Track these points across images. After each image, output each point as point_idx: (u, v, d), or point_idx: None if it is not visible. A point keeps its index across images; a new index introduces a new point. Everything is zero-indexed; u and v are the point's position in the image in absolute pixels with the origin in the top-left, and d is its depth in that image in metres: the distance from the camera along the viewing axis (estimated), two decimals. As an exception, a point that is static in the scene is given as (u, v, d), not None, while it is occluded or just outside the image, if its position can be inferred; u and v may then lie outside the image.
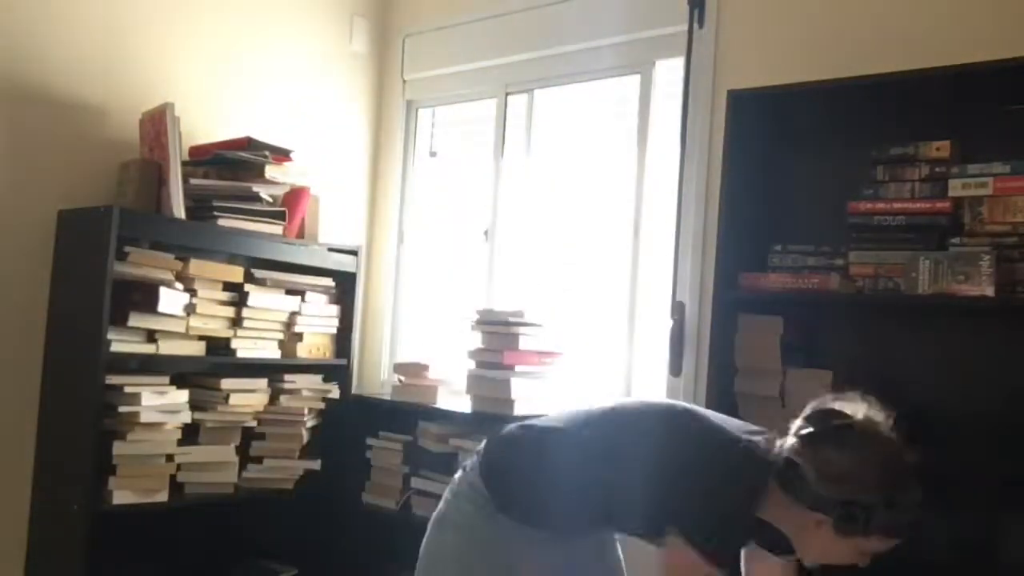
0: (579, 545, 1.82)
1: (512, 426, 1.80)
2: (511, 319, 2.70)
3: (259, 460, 2.84)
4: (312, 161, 3.26)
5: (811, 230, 2.30)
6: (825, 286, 2.10)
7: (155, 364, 2.63)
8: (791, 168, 2.40)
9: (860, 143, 2.22)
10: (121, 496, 2.47)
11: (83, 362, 2.44)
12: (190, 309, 2.63)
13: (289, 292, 2.92)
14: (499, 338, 2.71)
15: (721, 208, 2.27)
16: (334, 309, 3.08)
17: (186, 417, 2.60)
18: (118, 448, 2.46)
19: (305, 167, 3.01)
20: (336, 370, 3.07)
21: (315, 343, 3.01)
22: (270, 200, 2.81)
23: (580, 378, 2.90)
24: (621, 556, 1.92)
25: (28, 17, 2.56)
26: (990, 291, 1.87)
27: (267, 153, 2.80)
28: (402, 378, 2.97)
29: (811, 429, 1.54)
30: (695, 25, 2.66)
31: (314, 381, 2.97)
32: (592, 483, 1.67)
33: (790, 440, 1.56)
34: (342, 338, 3.10)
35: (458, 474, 1.80)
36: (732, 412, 2.18)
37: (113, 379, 2.45)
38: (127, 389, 2.48)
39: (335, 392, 3.02)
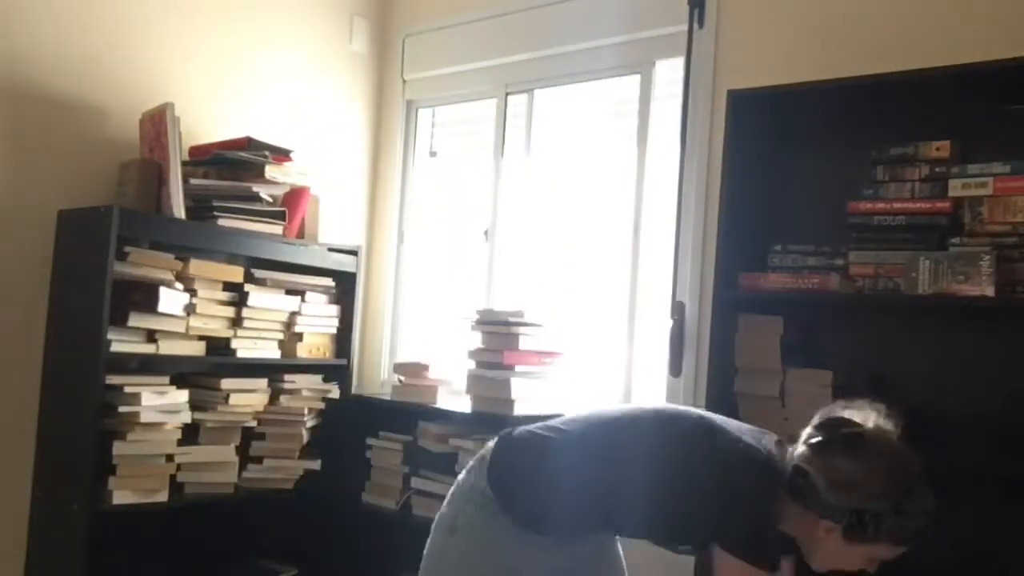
0: (582, 545, 1.81)
1: (521, 429, 1.78)
2: (511, 319, 2.70)
3: (259, 460, 2.84)
4: (312, 161, 3.26)
5: (811, 230, 2.30)
6: (825, 286, 2.10)
7: (155, 364, 2.63)
8: (791, 168, 2.41)
9: (860, 143, 2.22)
10: (121, 496, 2.47)
11: (83, 362, 2.44)
12: (190, 309, 2.63)
13: (289, 292, 2.92)
14: (499, 338, 2.71)
15: (721, 208, 2.27)
16: (334, 309, 3.08)
17: (186, 417, 2.60)
18: (118, 448, 2.46)
19: (305, 167, 3.01)
20: (336, 370, 3.07)
21: (315, 343, 3.01)
22: (270, 200, 2.81)
23: (580, 378, 2.90)
24: (622, 555, 1.92)
25: (28, 17, 2.56)
26: (990, 291, 1.87)
27: (267, 153, 2.80)
28: (402, 378, 2.97)
29: (821, 437, 1.55)
30: (695, 25, 2.66)
31: (314, 381, 2.97)
32: (603, 490, 1.67)
33: (800, 448, 1.58)
34: (342, 338, 3.10)
35: (462, 476, 1.78)
36: (732, 412, 2.19)
37: (113, 379, 2.45)
38: (127, 389, 2.48)
39: (335, 392, 3.02)
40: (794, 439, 1.63)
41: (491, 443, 1.79)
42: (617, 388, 2.82)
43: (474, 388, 2.75)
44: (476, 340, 2.78)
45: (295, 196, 2.91)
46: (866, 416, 1.56)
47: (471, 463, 1.79)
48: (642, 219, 2.83)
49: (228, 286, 2.76)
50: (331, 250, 3.06)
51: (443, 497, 2.65)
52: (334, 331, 3.08)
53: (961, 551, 1.97)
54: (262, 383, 2.83)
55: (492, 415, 2.65)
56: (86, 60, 2.70)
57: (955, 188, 2.03)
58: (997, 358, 2.06)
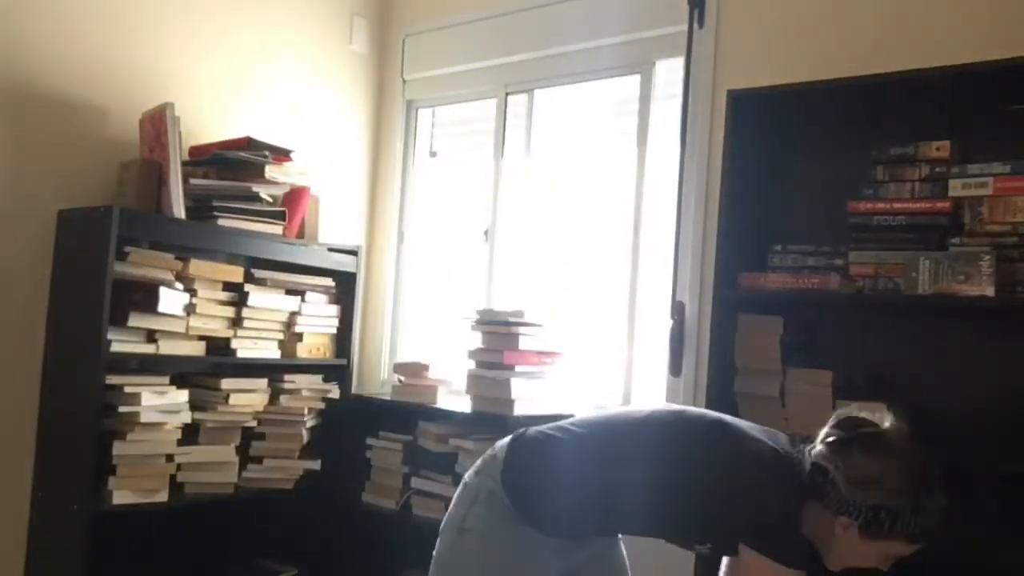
0: (589, 546, 1.81)
1: (533, 430, 1.77)
2: (511, 319, 2.70)
3: (259, 460, 2.84)
4: (312, 161, 3.26)
5: (811, 230, 2.30)
6: (825, 286, 2.10)
7: (155, 364, 2.63)
8: (791, 168, 2.41)
9: (860, 143, 2.22)
10: (121, 496, 2.47)
11: (83, 362, 2.44)
12: (190, 309, 2.63)
13: (289, 292, 2.92)
14: (499, 338, 2.71)
15: (721, 208, 2.27)
16: (334, 309, 3.08)
17: (186, 417, 2.60)
18: (118, 448, 2.46)
19: (305, 167, 3.01)
20: (336, 370, 3.07)
21: (315, 343, 3.01)
22: (270, 200, 2.81)
23: (580, 378, 2.90)
24: (625, 555, 1.92)
25: (28, 17, 2.56)
26: (990, 291, 1.87)
27: (267, 153, 2.80)
28: (402, 378, 2.97)
29: (840, 436, 1.58)
30: (695, 25, 2.66)
31: (314, 381, 2.97)
32: (618, 490, 1.67)
33: (818, 447, 1.60)
34: (342, 338, 3.10)
35: (470, 477, 1.77)
36: (732, 412, 2.18)
37: (113, 379, 2.45)
38: (127, 389, 2.48)
39: (335, 392, 3.02)
40: (804, 438, 1.65)
41: (499, 443, 1.78)
42: (617, 388, 2.82)
43: (474, 388, 2.75)
44: (476, 340, 2.78)
45: (295, 196, 2.91)
46: (882, 416, 1.58)
47: (478, 464, 1.78)
48: (642, 219, 2.83)
49: (228, 286, 2.76)
50: (331, 250, 3.06)
51: (443, 497, 2.67)
52: (334, 331, 3.08)
53: (961, 551, 1.97)
54: (262, 383, 2.83)
55: (492, 415, 2.65)
56: (86, 60, 2.70)
57: (955, 188, 2.03)
58: (997, 358, 2.06)
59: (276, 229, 2.82)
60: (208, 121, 3.00)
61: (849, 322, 2.28)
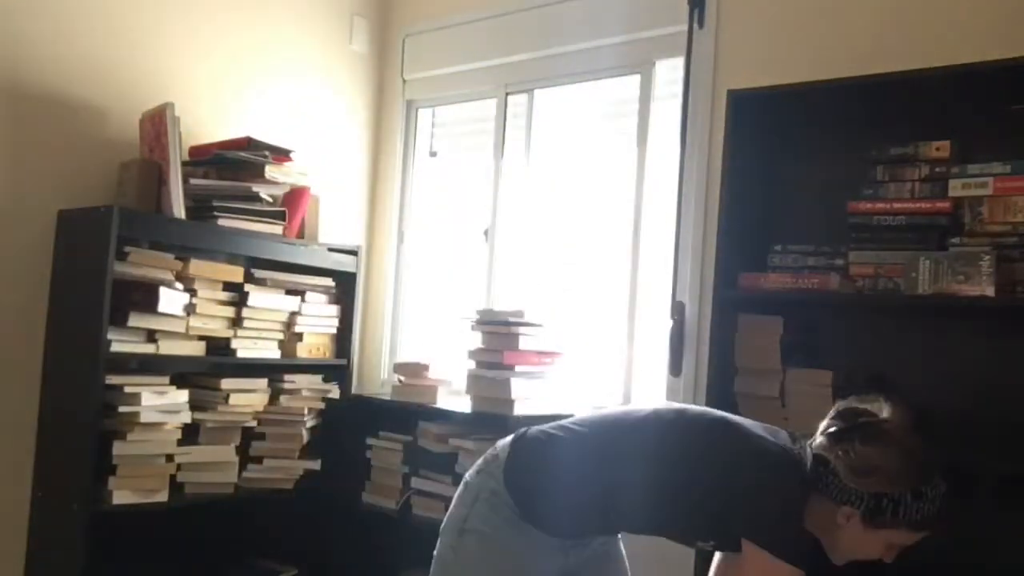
0: (589, 545, 1.82)
1: (535, 429, 1.77)
2: (511, 319, 2.70)
3: (259, 460, 2.84)
4: (312, 161, 3.26)
5: (811, 230, 2.30)
6: (825, 286, 2.10)
7: (155, 364, 2.63)
8: (791, 168, 2.40)
9: (860, 143, 2.22)
10: (121, 496, 2.47)
11: (83, 362, 2.44)
12: (190, 309, 2.63)
13: (289, 292, 2.92)
14: (499, 338, 2.71)
15: (721, 208, 2.27)
16: (334, 309, 3.08)
17: (186, 417, 2.60)
18: (118, 448, 2.46)
19: (305, 167, 3.01)
20: (336, 370, 3.07)
21: (315, 343, 3.01)
22: (270, 200, 2.81)
23: (580, 378, 2.90)
24: (624, 555, 1.92)
25: (28, 17, 2.56)
26: (990, 291, 1.87)
27: (267, 153, 2.80)
28: (402, 378, 2.97)
29: (840, 427, 1.60)
30: (695, 25, 2.66)
31: (314, 381, 2.97)
32: (621, 489, 1.67)
33: (819, 439, 1.62)
34: (342, 338, 3.10)
35: (471, 476, 1.77)
36: (732, 412, 2.18)
37: (113, 379, 2.45)
38: (127, 389, 2.48)
39: (335, 392, 3.02)
40: (805, 435, 1.66)
41: (501, 443, 1.78)
42: (617, 388, 2.82)
43: (474, 388, 2.75)
44: (476, 340, 2.78)
45: (295, 196, 2.91)
46: (880, 407, 1.60)
47: (480, 463, 1.78)
48: (642, 219, 2.83)
49: (228, 286, 2.76)
50: (331, 250, 3.06)
51: (443, 497, 2.67)
52: (334, 331, 3.08)
53: (961, 551, 1.97)
54: (262, 383, 2.83)
55: (492, 415, 2.65)
56: (86, 60, 2.70)
57: (955, 188, 2.03)
58: (997, 358, 2.06)
59: (276, 229, 2.82)
60: (208, 121, 3.00)
61: (849, 322, 2.28)
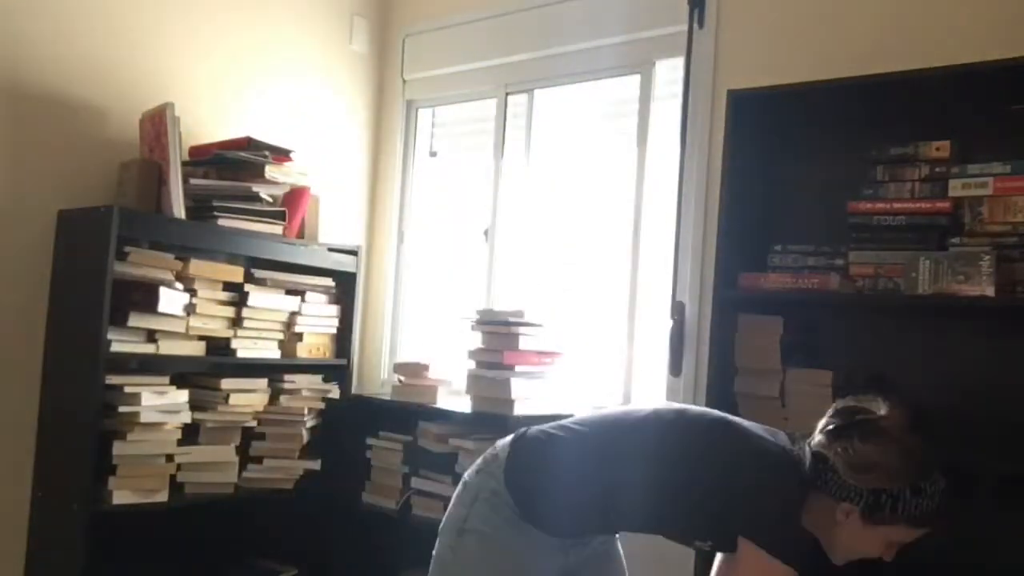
0: (588, 545, 1.82)
1: (535, 429, 1.77)
2: (511, 319, 2.70)
3: (259, 460, 2.84)
4: (312, 161, 3.26)
5: (811, 230, 2.30)
6: (825, 286, 2.10)
7: (155, 364, 2.63)
8: (791, 168, 2.40)
9: (860, 143, 2.22)
10: (121, 496, 2.47)
11: (83, 362, 2.44)
12: (190, 309, 2.63)
13: (289, 292, 2.92)
14: (499, 338, 2.71)
15: (721, 208, 2.27)
16: (334, 309, 3.08)
17: (186, 417, 2.60)
18: (118, 448, 2.46)
19: (305, 167, 3.01)
20: (336, 370, 3.07)
21: (315, 343, 3.01)
22: (270, 200, 2.81)
23: (580, 378, 2.90)
24: (622, 554, 1.93)
25: (28, 17, 2.56)
26: (990, 291, 1.87)
27: (267, 153, 2.80)
28: (402, 378, 2.97)
29: (837, 424, 1.60)
30: (695, 25, 2.66)
31: (314, 381, 2.97)
32: (620, 488, 1.67)
33: (817, 437, 1.63)
34: (342, 338, 3.10)
35: (470, 476, 1.77)
36: (732, 412, 2.18)
37: (113, 379, 2.45)
38: (127, 389, 2.47)
39: (335, 392, 3.02)
40: (805, 435, 1.66)
41: (500, 442, 1.78)
42: (617, 388, 2.82)
43: (474, 388, 2.75)
44: (476, 340, 2.78)
45: (295, 196, 2.91)
46: (878, 405, 1.60)
47: (479, 463, 1.78)
48: (642, 219, 2.83)
49: (228, 286, 2.76)
50: (331, 250, 3.06)
51: (443, 497, 2.67)
52: (334, 331, 3.08)
53: (961, 551, 1.97)
54: (262, 383, 2.83)
55: (492, 415, 2.65)
56: (86, 60, 2.70)
57: (955, 188, 2.03)
58: (997, 358, 2.06)
59: (276, 229, 2.82)
60: (208, 121, 3.00)
61: (849, 322, 2.28)
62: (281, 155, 2.86)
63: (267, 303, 2.84)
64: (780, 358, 2.23)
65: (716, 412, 1.76)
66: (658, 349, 2.72)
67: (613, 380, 2.84)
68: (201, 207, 2.67)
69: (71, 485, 2.43)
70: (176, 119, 2.57)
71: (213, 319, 2.70)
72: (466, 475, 1.79)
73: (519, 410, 2.64)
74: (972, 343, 2.09)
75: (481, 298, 3.20)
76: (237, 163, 2.75)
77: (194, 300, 2.64)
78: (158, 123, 2.59)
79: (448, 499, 1.81)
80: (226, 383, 2.73)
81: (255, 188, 2.75)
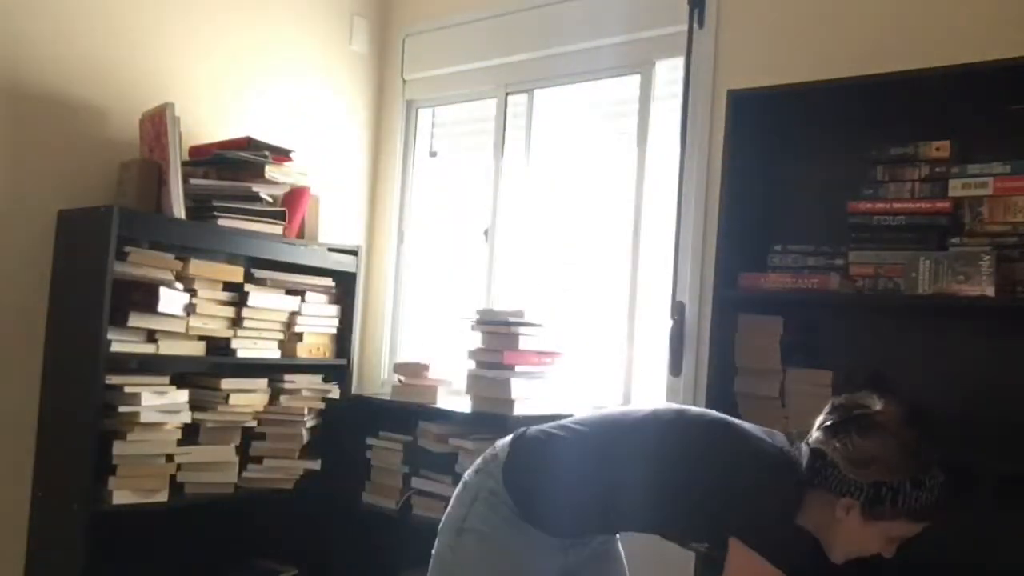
0: (588, 545, 1.82)
1: (534, 429, 1.77)
2: (511, 319, 2.70)
3: (259, 460, 2.84)
4: (312, 161, 3.26)
5: (811, 230, 2.30)
6: (825, 286, 2.10)
7: (155, 364, 2.62)
8: (791, 168, 2.40)
9: (860, 143, 2.22)
10: (121, 496, 2.47)
11: (83, 362, 2.44)
12: (190, 309, 2.63)
13: (289, 292, 2.92)
14: (499, 338, 2.71)
15: (721, 208, 2.27)
16: (334, 309, 3.08)
17: (186, 417, 2.60)
18: (118, 448, 2.46)
19: (305, 167, 3.01)
20: (336, 370, 3.07)
21: (315, 343, 3.01)
22: (270, 200, 2.81)
23: (580, 378, 2.90)
24: (623, 554, 1.93)
25: (28, 17, 2.56)
26: (990, 291, 1.87)
27: (267, 153, 2.80)
28: (402, 378, 2.97)
29: (835, 420, 1.60)
30: (695, 25, 2.66)
31: (314, 381, 2.97)
32: (617, 488, 1.67)
33: (815, 434, 1.63)
34: (342, 338, 3.10)
35: (469, 476, 1.77)
36: (732, 412, 2.18)
37: (113, 379, 2.45)
38: (127, 389, 2.47)
39: (335, 392, 3.02)
40: (802, 435, 1.66)
41: (500, 442, 1.78)
42: (617, 388, 2.82)
43: (474, 388, 2.75)
44: (476, 340, 2.78)
45: (295, 196, 2.91)
46: (873, 400, 1.60)
47: (479, 463, 1.78)
48: (642, 219, 2.83)
49: (228, 286, 2.76)
50: (331, 250, 3.06)
51: (443, 497, 2.67)
52: (334, 331, 3.08)
53: (961, 551, 1.97)
54: (262, 383, 2.83)
55: (492, 415, 2.65)
56: (86, 60, 2.70)
57: (955, 188, 2.03)
58: (997, 358, 2.06)
59: (276, 229, 2.82)
60: (208, 121, 3.00)
61: (849, 322, 2.28)
62: (281, 155, 2.86)
63: (267, 303, 2.84)
64: (780, 358, 2.23)
65: (715, 413, 1.76)
66: (658, 349, 2.72)
67: (613, 380, 2.84)
68: (201, 207, 2.67)
69: (71, 485, 2.43)
70: (176, 119, 2.57)
71: (213, 319, 2.70)
72: (466, 475, 1.79)
73: (519, 410, 2.64)
74: (972, 343, 2.09)
75: (481, 298, 3.20)
76: (237, 163, 2.75)
77: (194, 300, 2.64)
78: (158, 123, 2.59)
79: (448, 499, 1.81)
80: (226, 383, 2.73)
81: (255, 188, 2.75)
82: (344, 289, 3.11)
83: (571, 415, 1.86)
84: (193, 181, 2.67)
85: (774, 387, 2.22)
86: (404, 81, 3.55)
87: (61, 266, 2.58)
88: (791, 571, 1.54)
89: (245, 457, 2.80)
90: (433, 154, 3.57)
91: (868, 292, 2.10)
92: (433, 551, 1.75)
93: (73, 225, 2.57)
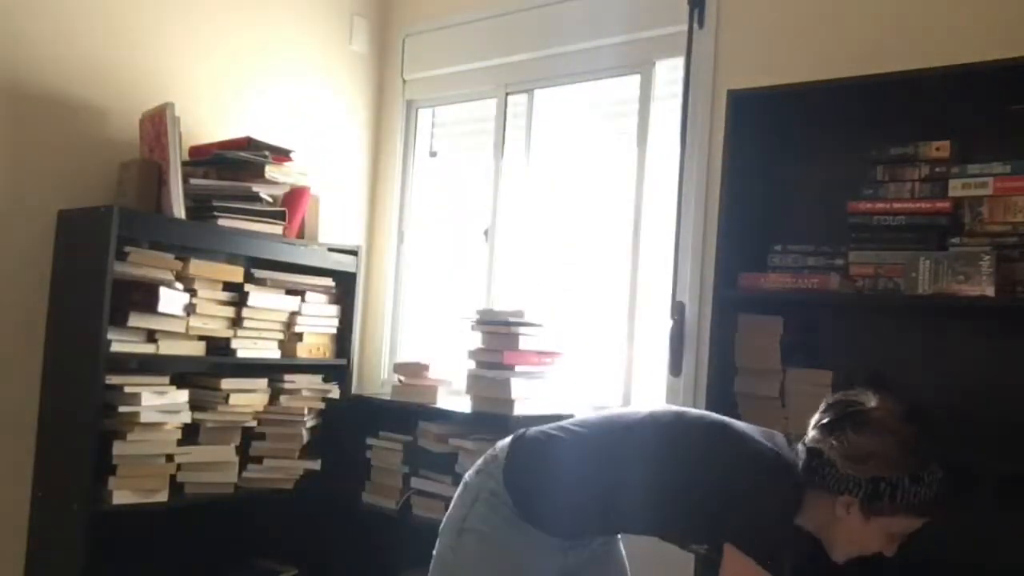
0: (588, 546, 1.82)
1: (534, 429, 1.77)
2: (511, 319, 2.70)
3: (259, 460, 2.84)
4: (312, 161, 3.26)
5: (811, 230, 2.30)
6: (825, 286, 2.10)
7: (155, 364, 2.63)
8: (791, 168, 2.40)
9: (860, 143, 2.22)
10: (121, 496, 2.47)
11: (83, 362, 2.44)
12: (190, 309, 2.63)
13: (289, 292, 2.92)
14: (499, 338, 2.71)
15: (721, 208, 2.27)
16: (334, 309, 3.08)
17: (186, 417, 2.60)
18: (118, 448, 2.46)
19: (305, 167, 3.01)
20: (336, 370, 3.07)
21: (315, 343, 3.01)
22: (270, 200, 2.81)
23: (580, 378, 2.90)
24: (624, 555, 1.93)
25: (28, 17, 2.56)
26: (990, 291, 1.87)
27: (267, 153, 2.80)
28: (402, 378, 2.97)
29: (830, 418, 1.60)
30: (695, 25, 2.66)
31: (314, 381, 2.97)
32: (617, 490, 1.67)
33: (811, 433, 1.63)
34: (342, 338, 3.10)
35: (470, 477, 1.77)
36: (732, 412, 2.19)
37: (113, 379, 2.45)
38: (127, 389, 2.47)
39: (335, 392, 3.02)
40: (801, 437, 1.66)
41: (500, 443, 1.79)
42: (617, 388, 2.82)
43: (474, 388, 2.75)
44: (476, 340, 2.78)
45: (295, 196, 2.91)
46: (868, 397, 1.60)
47: (479, 463, 1.78)
48: (642, 219, 2.83)
49: (228, 286, 2.76)
50: (331, 250, 3.06)
51: (443, 497, 2.68)
52: (334, 331, 3.08)
53: (961, 550, 1.97)
54: (262, 383, 2.83)
55: (492, 415, 2.65)
56: (86, 60, 2.70)
57: (955, 188, 2.03)
58: (997, 358, 2.06)
59: (276, 229, 2.82)
60: (208, 121, 3.00)
61: (849, 322, 2.28)
62: (281, 155, 2.86)
63: (267, 303, 2.84)
64: (780, 358, 2.23)
65: (714, 415, 1.76)
66: (658, 349, 2.72)
67: (613, 380, 2.84)
68: (201, 207, 2.67)
69: (71, 485, 2.43)
70: (176, 119, 2.57)
71: (213, 319, 2.70)
72: (467, 476, 1.79)
73: (519, 410, 2.64)
74: (972, 343, 2.09)
75: (481, 298, 3.20)
76: (237, 163, 2.75)
77: (194, 300, 2.64)
78: (158, 123, 2.59)
79: (448, 499, 1.81)
80: (226, 383, 2.73)
81: (255, 188, 2.75)
82: (344, 289, 3.11)
83: (571, 415, 1.86)
84: (193, 181, 2.67)
85: (774, 387, 2.22)
86: (404, 81, 3.55)
87: (61, 266, 2.58)
88: (781, 573, 1.54)
89: (245, 457, 2.81)
90: (433, 154, 3.57)
91: (868, 292, 2.10)
92: (434, 551, 1.76)
93: (73, 225, 2.57)
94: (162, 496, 2.55)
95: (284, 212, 2.84)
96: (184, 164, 2.63)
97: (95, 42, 2.72)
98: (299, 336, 2.95)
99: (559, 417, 1.87)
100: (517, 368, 2.69)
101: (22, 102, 2.56)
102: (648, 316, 2.79)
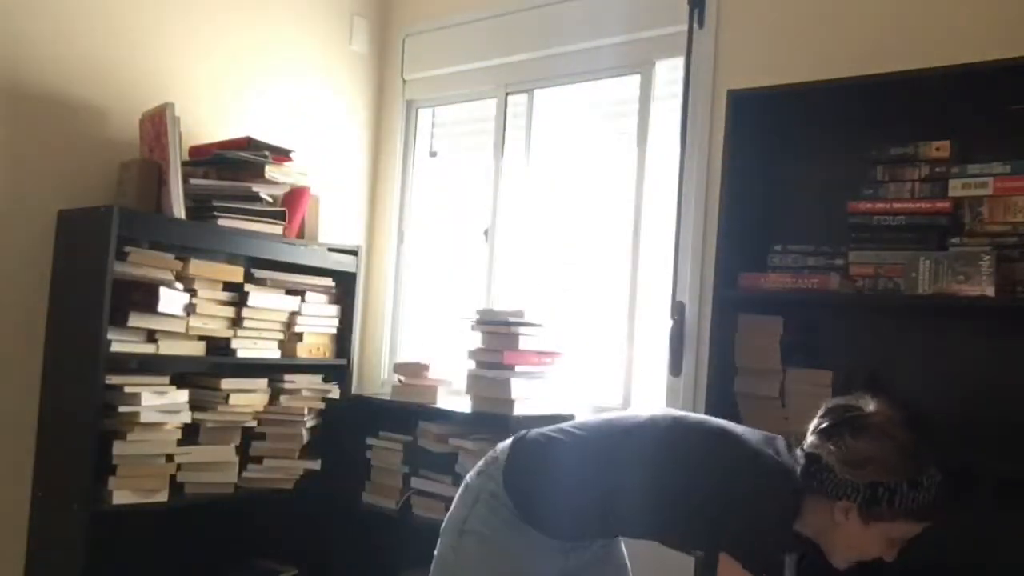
0: (589, 547, 1.82)
1: (535, 431, 1.78)
2: (511, 319, 2.70)
3: (259, 460, 2.84)
4: (312, 161, 3.26)
5: (811, 230, 2.30)
6: (825, 286, 2.10)
7: (155, 364, 2.63)
8: (791, 168, 2.40)
9: (860, 143, 2.22)
10: (121, 496, 2.47)
11: (83, 362, 2.44)
12: (190, 309, 2.63)
13: (289, 292, 2.92)
14: (499, 338, 2.71)
15: (721, 208, 2.27)
16: (334, 309, 3.08)
17: (186, 417, 2.60)
18: (118, 448, 2.46)
19: (305, 167, 3.01)
20: (336, 370, 3.07)
21: (315, 343, 3.01)
22: (270, 200, 2.81)
23: (580, 378, 2.90)
24: (626, 556, 1.93)
25: (28, 17, 2.56)
26: (990, 291, 1.87)
27: (267, 153, 2.80)
28: (402, 378, 2.97)
29: (827, 423, 1.60)
30: (695, 25, 2.66)
31: (314, 381, 2.97)
32: (616, 493, 1.67)
33: (809, 439, 1.62)
34: (342, 338, 3.10)
35: (471, 478, 1.77)
36: (732, 412, 2.19)
37: (113, 379, 2.45)
38: (127, 389, 2.47)
39: (335, 392, 3.02)
40: (800, 439, 1.66)
41: (501, 445, 1.79)
42: (617, 388, 2.82)
43: (474, 388, 2.75)
44: (476, 340, 2.78)
45: (295, 196, 2.91)
46: (866, 402, 1.60)
47: (480, 465, 1.79)
48: (642, 219, 2.83)
49: (228, 286, 2.76)
50: (331, 250, 3.06)
51: (443, 497, 2.68)
52: (334, 331, 3.08)
53: (961, 551, 1.97)
54: (262, 383, 2.83)
55: (492, 415, 2.65)
56: (86, 60, 2.70)
57: (955, 188, 2.03)
58: (997, 358, 2.06)
59: (276, 229, 2.82)
60: (208, 121, 3.00)
61: (849, 322, 2.28)
62: (281, 155, 2.86)
63: (267, 303, 2.84)
64: (780, 358, 2.23)
65: (713, 419, 1.76)
66: (658, 349, 2.72)
67: (613, 380, 2.84)
68: (201, 207, 2.67)
69: (71, 485, 2.43)
70: (176, 119, 2.57)
71: (213, 319, 2.70)
72: (467, 477, 1.79)
73: (519, 410, 2.64)
74: (972, 343, 2.09)
75: (481, 298, 3.20)
76: (237, 163, 2.75)
77: (194, 300, 2.64)
78: (158, 123, 2.59)
79: (448, 499, 1.82)
80: (226, 383, 2.73)
81: (255, 188, 2.75)
82: (344, 289, 3.11)
83: (571, 415, 1.87)
84: (193, 181, 2.67)
85: (774, 387, 2.22)
86: (404, 81, 3.55)
87: (61, 266, 2.58)
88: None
89: (245, 457, 2.81)
90: (433, 154, 3.57)
91: (868, 292, 2.10)
92: (435, 551, 1.76)
93: (73, 225, 2.57)
94: (162, 496, 2.55)
95: (284, 212, 2.84)
96: (184, 164, 2.63)
97: (95, 42, 2.72)
98: (299, 336, 2.95)
99: (559, 417, 1.88)
100: (517, 368, 2.69)
101: (22, 102, 2.56)
102: (648, 316, 2.79)
